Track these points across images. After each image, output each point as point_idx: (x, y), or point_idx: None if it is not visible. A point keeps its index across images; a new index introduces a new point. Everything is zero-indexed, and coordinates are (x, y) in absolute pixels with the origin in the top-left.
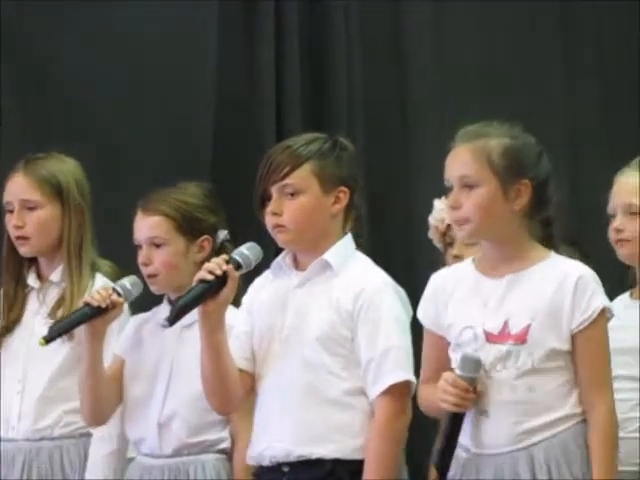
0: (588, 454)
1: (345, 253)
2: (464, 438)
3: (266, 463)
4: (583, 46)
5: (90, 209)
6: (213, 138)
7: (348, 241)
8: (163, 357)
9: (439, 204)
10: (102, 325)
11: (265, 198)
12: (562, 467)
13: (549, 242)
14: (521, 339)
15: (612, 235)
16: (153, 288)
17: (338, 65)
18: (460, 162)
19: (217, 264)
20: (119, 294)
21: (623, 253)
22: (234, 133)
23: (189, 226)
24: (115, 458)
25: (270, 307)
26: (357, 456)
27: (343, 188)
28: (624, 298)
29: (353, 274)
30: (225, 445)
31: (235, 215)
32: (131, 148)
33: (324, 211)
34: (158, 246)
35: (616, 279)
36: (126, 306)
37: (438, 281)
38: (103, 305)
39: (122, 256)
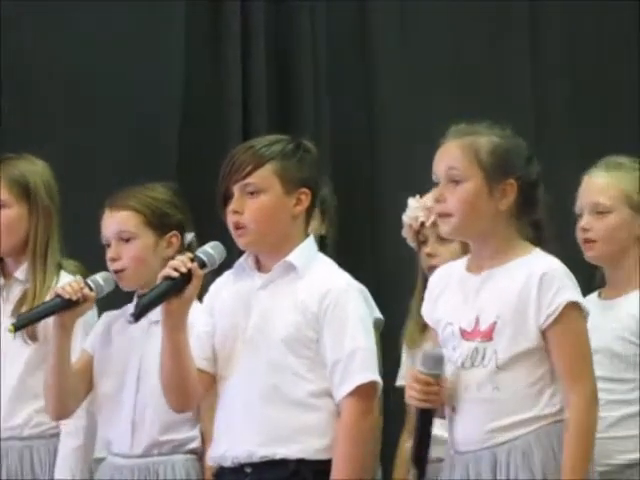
0: (557, 456)
1: (308, 255)
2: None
3: (228, 464)
4: (551, 45)
5: (58, 210)
6: (179, 138)
7: (311, 243)
8: (132, 353)
9: (413, 202)
10: (71, 318)
11: (227, 197)
12: (522, 470)
13: (540, 245)
14: (487, 336)
15: (579, 234)
16: (122, 284)
17: (304, 65)
18: (448, 156)
19: (182, 262)
20: (91, 288)
21: (590, 255)
22: (200, 133)
23: (158, 221)
24: (82, 452)
25: (232, 308)
26: (321, 456)
27: (305, 190)
28: (592, 298)
29: (318, 276)
30: (195, 445)
31: (201, 215)
32: (97, 149)
33: (285, 212)
34: (127, 241)
35: (585, 278)
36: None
37: (434, 279)
38: (74, 298)
39: (87, 257)
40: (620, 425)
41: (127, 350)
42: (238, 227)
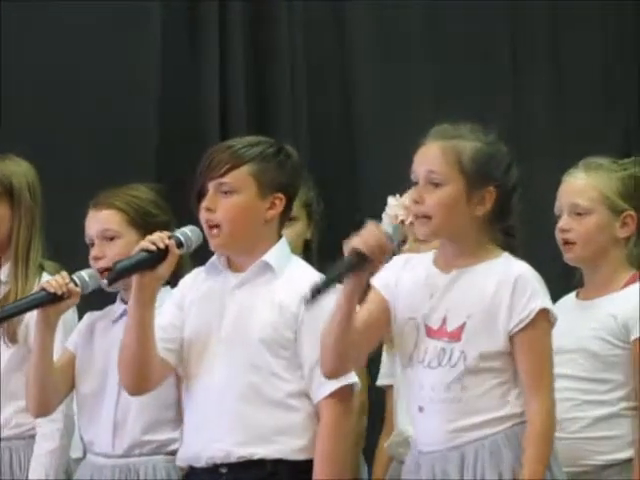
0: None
1: (283, 255)
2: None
3: (201, 464)
4: (531, 44)
5: (41, 212)
6: (158, 139)
7: (284, 244)
8: (114, 353)
9: (393, 201)
10: (55, 313)
11: (202, 193)
12: (489, 469)
13: (510, 252)
14: (456, 337)
15: (558, 235)
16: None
17: (282, 65)
18: (429, 158)
19: (160, 237)
20: (76, 284)
21: (570, 257)
22: (178, 135)
23: (142, 220)
24: (58, 455)
25: (205, 306)
26: (299, 457)
27: (280, 195)
28: (570, 298)
29: (295, 276)
30: (177, 446)
31: (179, 216)
32: (74, 148)
33: (257, 214)
34: (111, 239)
35: (562, 278)
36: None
37: (402, 259)
38: (59, 292)
39: (64, 258)
40: (597, 426)
41: (110, 350)
42: (211, 226)
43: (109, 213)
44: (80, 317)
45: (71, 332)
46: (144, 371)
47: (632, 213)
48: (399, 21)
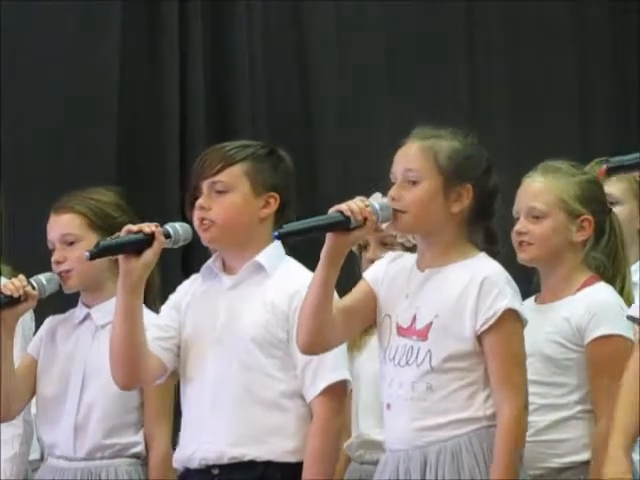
0: (487, 460)
1: (276, 256)
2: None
3: (194, 466)
4: (490, 43)
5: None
6: (117, 140)
7: (278, 245)
8: (76, 357)
9: (379, 197)
10: (11, 317)
11: (196, 196)
12: (449, 471)
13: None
14: (423, 335)
15: (514, 237)
16: (66, 285)
17: (241, 65)
18: (407, 157)
19: (147, 224)
20: (33, 287)
21: (524, 257)
22: (138, 136)
23: (102, 222)
24: (18, 460)
25: (201, 309)
26: (289, 459)
27: (274, 194)
28: (529, 303)
29: (285, 276)
30: (139, 449)
31: (142, 220)
32: (33, 153)
33: (252, 213)
34: (71, 243)
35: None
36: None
37: (393, 255)
38: (15, 295)
39: (18, 262)
40: (554, 428)
41: (72, 354)
42: (203, 222)
43: (69, 217)
44: (40, 322)
45: (30, 338)
46: (134, 362)
47: (589, 217)
48: (358, 20)
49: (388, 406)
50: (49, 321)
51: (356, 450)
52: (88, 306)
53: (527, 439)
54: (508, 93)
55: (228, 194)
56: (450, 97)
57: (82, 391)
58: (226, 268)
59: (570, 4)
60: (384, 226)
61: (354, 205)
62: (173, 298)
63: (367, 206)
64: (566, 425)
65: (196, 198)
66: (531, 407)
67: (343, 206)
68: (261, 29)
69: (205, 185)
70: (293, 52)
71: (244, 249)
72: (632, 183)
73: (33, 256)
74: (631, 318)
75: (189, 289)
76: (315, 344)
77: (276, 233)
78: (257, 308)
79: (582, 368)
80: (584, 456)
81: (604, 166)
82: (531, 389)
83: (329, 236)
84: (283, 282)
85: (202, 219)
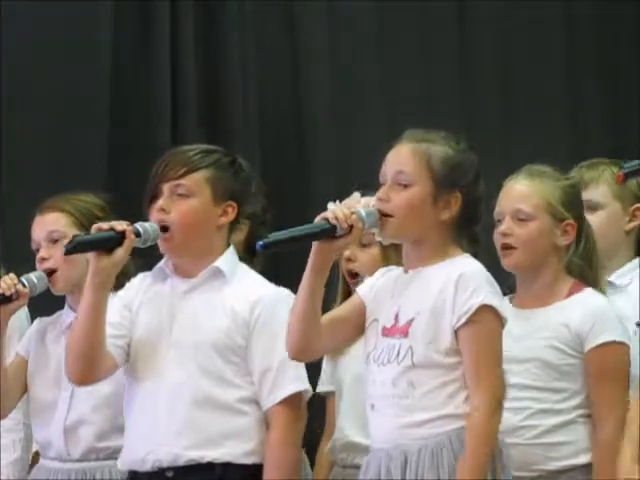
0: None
1: (233, 262)
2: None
3: (146, 468)
4: (481, 50)
5: None
6: (108, 139)
7: (233, 252)
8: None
9: (357, 195)
10: (3, 315)
11: (155, 195)
12: (429, 470)
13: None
14: (404, 332)
15: (498, 239)
16: (53, 286)
17: (233, 65)
18: (399, 159)
19: (119, 222)
20: (24, 285)
21: (508, 262)
22: (129, 135)
23: (88, 222)
24: (19, 464)
25: (153, 310)
26: (247, 461)
27: (232, 203)
28: (505, 305)
29: (246, 283)
30: None
31: (130, 217)
32: (22, 149)
33: (210, 220)
34: (57, 241)
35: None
36: (25, 308)
37: (384, 270)
38: (7, 293)
39: (9, 261)
40: (552, 433)
41: (62, 357)
42: (164, 228)
43: (55, 216)
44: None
45: None
46: (93, 359)
47: (572, 222)
48: (351, 21)
49: (372, 406)
50: (37, 322)
51: (339, 453)
52: (74, 310)
53: (524, 442)
54: (498, 93)
55: (189, 199)
56: (441, 98)
57: (72, 395)
58: (178, 270)
59: (560, 3)
60: (374, 233)
61: (339, 213)
62: (124, 296)
63: (353, 213)
64: (565, 429)
65: (154, 198)
66: (528, 412)
67: (328, 214)
68: (253, 29)
69: (166, 187)
70: (285, 52)
71: (200, 255)
72: (611, 186)
73: (24, 255)
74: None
75: (139, 288)
76: (304, 350)
77: (261, 243)
78: (218, 314)
79: (580, 374)
80: (582, 459)
81: (620, 173)
82: (528, 394)
83: (315, 244)
84: (244, 289)
85: (161, 222)
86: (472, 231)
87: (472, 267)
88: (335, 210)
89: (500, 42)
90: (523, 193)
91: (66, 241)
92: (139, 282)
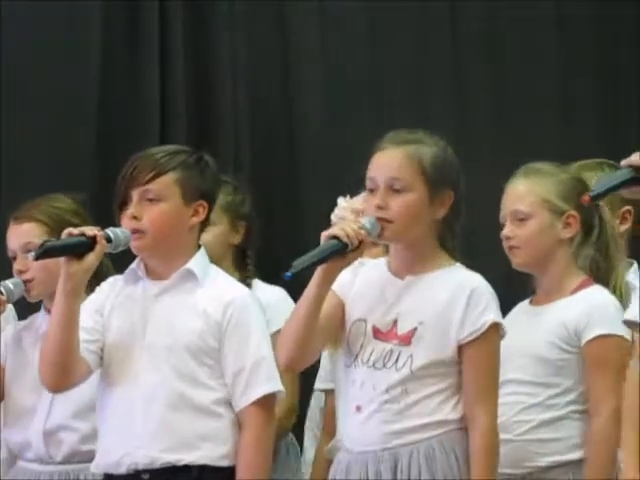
0: (459, 462)
1: (205, 264)
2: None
3: (122, 471)
4: (472, 43)
5: None
6: (96, 141)
7: (204, 254)
8: None
9: (343, 202)
10: None
11: (124, 201)
12: (425, 473)
13: (453, 254)
14: (405, 340)
15: (504, 243)
16: (29, 294)
17: (223, 71)
18: (391, 165)
19: (90, 228)
20: (1, 293)
21: (516, 262)
22: (117, 136)
23: (62, 230)
24: (5, 466)
25: (125, 314)
26: (223, 463)
27: (203, 202)
28: (524, 304)
29: (218, 285)
30: None
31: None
32: (10, 153)
33: (182, 221)
34: (32, 252)
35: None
36: (11, 307)
37: (356, 263)
38: None
39: None
40: (543, 428)
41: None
42: (135, 232)
43: (29, 226)
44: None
45: None
46: (66, 365)
47: (574, 213)
48: (343, 21)
49: (358, 408)
50: (13, 327)
51: (337, 453)
52: (50, 312)
53: (515, 438)
54: (491, 92)
55: (160, 203)
56: (433, 98)
57: (52, 401)
58: (149, 273)
59: (552, 3)
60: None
61: (349, 230)
62: (94, 300)
63: (361, 228)
64: (557, 425)
65: (124, 204)
66: (521, 406)
67: (339, 232)
68: (243, 29)
69: (135, 194)
70: (276, 52)
71: (172, 257)
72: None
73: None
74: (628, 322)
75: (110, 292)
76: (299, 361)
77: (289, 274)
78: (191, 316)
79: (577, 369)
80: (573, 455)
81: (587, 196)
82: (522, 389)
83: (324, 265)
84: (216, 291)
85: (134, 230)
86: (456, 227)
87: (481, 282)
88: (344, 227)
89: (492, 42)
90: (519, 193)
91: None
92: (110, 286)
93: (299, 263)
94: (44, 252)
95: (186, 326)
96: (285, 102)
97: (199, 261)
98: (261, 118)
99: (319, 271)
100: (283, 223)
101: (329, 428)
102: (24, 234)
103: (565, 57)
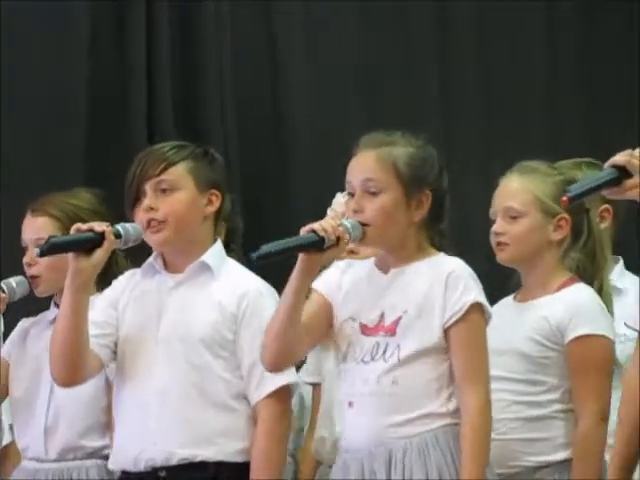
0: (454, 459)
1: (220, 256)
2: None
3: (139, 468)
4: (460, 44)
5: None
6: (84, 142)
7: (220, 246)
8: (46, 359)
9: (340, 198)
10: None
11: (137, 197)
12: (417, 468)
13: (441, 249)
14: (391, 330)
15: (492, 238)
16: (37, 290)
17: (210, 68)
18: (365, 167)
19: (98, 223)
20: (3, 291)
21: (502, 257)
22: (105, 137)
23: None
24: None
25: (141, 307)
26: (239, 459)
27: (215, 191)
28: (508, 300)
29: (233, 277)
30: (108, 451)
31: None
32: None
33: (198, 210)
34: None
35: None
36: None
37: (344, 263)
38: None
39: None
40: (527, 427)
41: (42, 354)
42: (151, 224)
43: (44, 221)
44: (11, 325)
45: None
46: (76, 360)
47: (566, 216)
48: (330, 22)
49: (350, 404)
50: (22, 323)
51: (329, 453)
52: (59, 306)
53: (500, 437)
54: (478, 93)
55: (175, 192)
56: (420, 98)
57: (51, 393)
58: (167, 266)
59: (541, 4)
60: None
61: (327, 225)
62: (109, 294)
63: (340, 225)
64: (541, 423)
65: (137, 201)
66: (502, 404)
67: (316, 225)
68: (230, 30)
69: (149, 186)
70: (263, 53)
71: (190, 248)
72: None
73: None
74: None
75: (127, 286)
76: (283, 361)
77: (254, 255)
78: (205, 308)
79: (561, 367)
80: (559, 455)
81: (565, 197)
82: (504, 386)
83: (302, 256)
84: (231, 283)
85: (150, 221)
86: (442, 225)
87: (459, 265)
88: (322, 222)
89: (480, 42)
90: (513, 190)
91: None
92: (127, 279)
93: (268, 247)
94: (49, 248)
95: (201, 318)
96: (273, 103)
97: (214, 253)
98: (249, 119)
99: (298, 266)
100: (271, 223)
101: (315, 423)
102: (37, 228)
103: (552, 58)
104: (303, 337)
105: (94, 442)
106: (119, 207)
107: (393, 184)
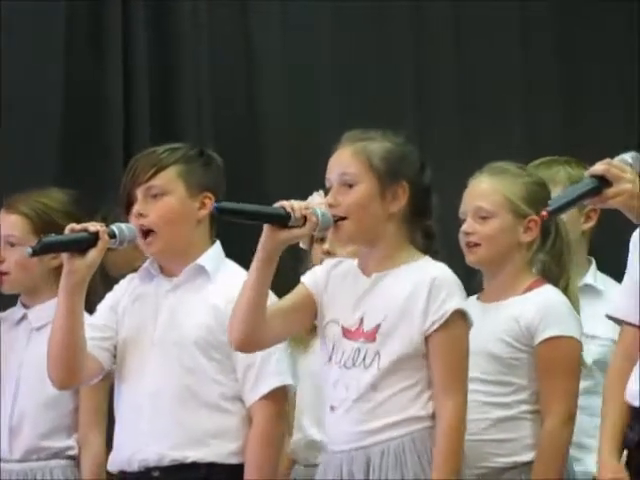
0: (430, 459)
1: (217, 259)
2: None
3: (133, 468)
4: (435, 44)
5: None
6: (59, 142)
7: (219, 248)
8: (11, 359)
9: (317, 197)
10: None
11: (130, 202)
12: (393, 471)
13: (429, 254)
14: (371, 337)
15: (461, 238)
16: (3, 287)
17: (186, 71)
18: (341, 162)
19: (92, 223)
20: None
21: (472, 259)
22: (81, 137)
23: (46, 229)
24: None
25: (138, 311)
26: (232, 460)
27: (209, 194)
28: (471, 300)
29: (228, 280)
30: (73, 452)
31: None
32: None
33: (190, 215)
34: (12, 245)
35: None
36: None
37: (333, 262)
38: None
39: None
40: (496, 428)
41: (6, 356)
42: (144, 232)
43: (15, 218)
44: None
45: None
46: (72, 361)
47: (535, 218)
48: (306, 21)
49: (332, 408)
50: None
51: (302, 453)
52: (26, 306)
53: (470, 437)
54: (454, 92)
55: (164, 198)
56: (396, 98)
57: (16, 394)
58: (164, 270)
59: (516, 4)
60: (328, 237)
61: (296, 204)
62: (111, 297)
63: (308, 208)
64: (510, 424)
65: (130, 205)
66: (473, 404)
67: (285, 202)
68: (206, 29)
69: (140, 191)
70: (239, 52)
71: (185, 252)
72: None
73: None
74: (611, 317)
75: (126, 289)
76: (249, 342)
77: (216, 206)
78: (200, 311)
79: (530, 368)
80: (527, 456)
81: (544, 212)
82: (473, 386)
83: (266, 229)
84: (227, 286)
85: (141, 226)
86: (425, 225)
87: (443, 271)
88: (292, 201)
89: (456, 42)
90: (484, 191)
91: (20, 247)
92: (127, 283)
93: (233, 204)
94: (41, 249)
95: (195, 321)
96: (249, 102)
97: (211, 256)
98: (225, 118)
99: (258, 248)
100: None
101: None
102: (8, 225)
103: (528, 58)
104: (276, 320)
105: (59, 443)
106: (94, 207)
107: (367, 176)
